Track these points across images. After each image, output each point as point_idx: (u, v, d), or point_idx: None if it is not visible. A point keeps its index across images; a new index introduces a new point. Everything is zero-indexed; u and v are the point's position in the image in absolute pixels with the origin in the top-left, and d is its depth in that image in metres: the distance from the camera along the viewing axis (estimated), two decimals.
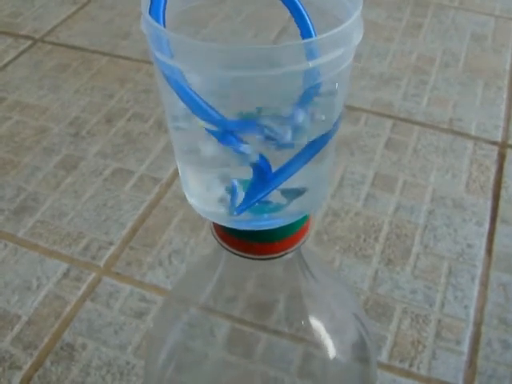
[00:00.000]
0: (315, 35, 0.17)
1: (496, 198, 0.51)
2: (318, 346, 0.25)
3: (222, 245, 0.21)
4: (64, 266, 0.45)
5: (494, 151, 0.55)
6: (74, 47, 0.67)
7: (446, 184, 0.52)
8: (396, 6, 0.75)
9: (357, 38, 0.16)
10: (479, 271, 0.45)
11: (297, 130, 0.17)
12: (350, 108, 0.59)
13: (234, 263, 0.21)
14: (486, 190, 0.52)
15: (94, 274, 0.45)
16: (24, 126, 0.57)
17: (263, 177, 0.17)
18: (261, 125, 0.16)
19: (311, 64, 0.15)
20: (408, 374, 0.39)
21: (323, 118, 0.18)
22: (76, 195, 0.50)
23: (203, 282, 0.24)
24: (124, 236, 0.47)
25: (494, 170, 0.54)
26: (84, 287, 0.44)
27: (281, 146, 0.17)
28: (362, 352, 0.26)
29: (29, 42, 0.68)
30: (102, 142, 0.55)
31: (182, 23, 0.18)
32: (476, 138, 0.57)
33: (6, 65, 0.65)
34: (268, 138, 0.17)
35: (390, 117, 0.58)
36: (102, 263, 0.45)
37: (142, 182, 0.51)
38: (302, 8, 0.17)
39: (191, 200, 0.20)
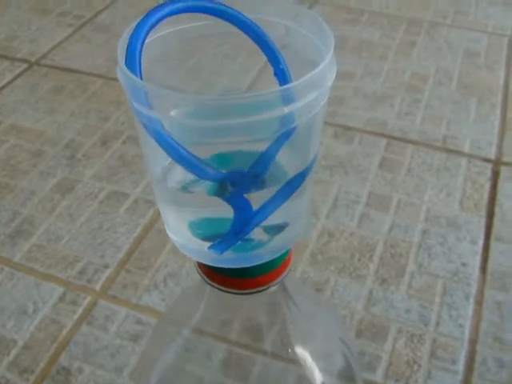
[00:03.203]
0: (290, 80, 0.18)
1: (490, 215, 0.51)
2: (306, 369, 0.25)
3: (205, 280, 0.21)
4: (60, 289, 0.45)
5: (488, 168, 0.56)
6: (69, 70, 0.68)
7: (440, 202, 0.52)
8: (390, 25, 0.75)
9: (330, 79, 0.17)
10: (474, 290, 0.45)
11: (275, 170, 0.17)
12: (344, 127, 0.60)
13: (218, 295, 0.21)
14: (480, 208, 0.52)
15: (89, 298, 0.45)
16: (20, 150, 0.57)
17: (244, 215, 0.17)
18: (244, 172, 0.17)
19: (286, 110, 0.15)
20: None
21: (299, 157, 0.18)
22: (71, 218, 0.51)
23: (192, 309, 0.24)
24: (120, 259, 0.47)
25: (487, 187, 0.54)
26: (80, 311, 0.44)
27: (261, 187, 0.17)
28: (347, 373, 0.27)
29: (25, 65, 0.68)
30: (97, 164, 0.56)
31: (160, 64, 0.18)
32: (470, 156, 0.57)
33: (1, 88, 0.65)
34: (251, 182, 0.17)
35: (383, 136, 0.59)
36: (97, 286, 0.45)
37: (136, 205, 0.52)
38: (277, 52, 0.18)
39: (173, 238, 0.20)
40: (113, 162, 0.56)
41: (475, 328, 0.43)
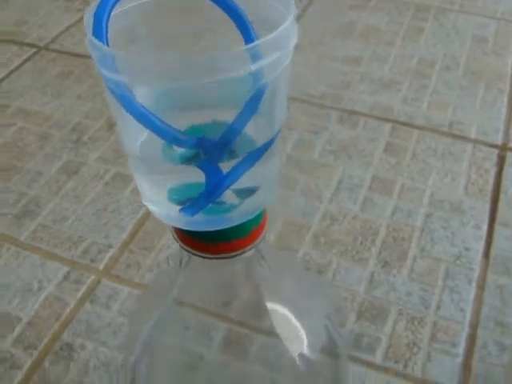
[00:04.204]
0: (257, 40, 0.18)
1: (495, 200, 0.51)
2: (283, 344, 0.25)
3: (180, 245, 0.21)
4: (64, 268, 0.46)
5: (494, 154, 0.55)
6: (77, 54, 0.68)
7: (445, 187, 0.52)
8: (397, 11, 0.75)
9: (293, 40, 0.17)
10: (476, 274, 0.45)
11: (244, 139, 0.18)
12: (349, 112, 0.60)
13: (194, 263, 0.22)
14: (485, 193, 0.52)
15: (93, 277, 0.45)
16: (27, 133, 0.58)
17: (214, 179, 0.18)
18: (214, 141, 0.17)
19: (254, 67, 0.16)
20: (403, 376, 0.39)
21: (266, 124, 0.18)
22: (77, 200, 0.51)
23: (172, 279, 0.25)
24: (123, 239, 0.48)
25: (493, 172, 0.54)
26: (84, 289, 0.44)
27: (231, 156, 0.18)
28: (331, 348, 0.27)
29: (33, 50, 0.69)
30: (103, 147, 0.56)
31: (123, 37, 0.19)
32: (475, 141, 0.57)
33: (10, 72, 0.66)
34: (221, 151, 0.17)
35: (389, 120, 0.59)
36: (101, 266, 0.46)
37: None
38: (248, 23, 0.18)
39: (147, 204, 0.20)
40: (118, 146, 0.56)
41: (476, 312, 0.43)
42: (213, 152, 0.18)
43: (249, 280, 0.24)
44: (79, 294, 0.44)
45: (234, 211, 0.19)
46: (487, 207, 0.51)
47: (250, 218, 0.20)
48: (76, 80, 0.64)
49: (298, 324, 0.25)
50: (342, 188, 0.52)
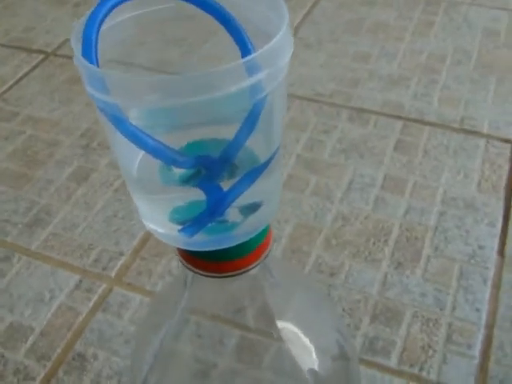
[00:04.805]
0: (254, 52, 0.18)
1: (509, 197, 0.50)
2: (295, 356, 0.25)
3: (184, 265, 0.21)
4: (76, 277, 0.46)
5: (507, 149, 0.55)
6: None
7: (458, 184, 0.51)
8: (407, 6, 0.74)
9: (289, 50, 0.17)
10: (491, 273, 0.45)
11: (245, 156, 0.17)
12: (359, 110, 0.59)
13: (199, 281, 0.21)
14: (499, 190, 0.51)
15: (105, 285, 0.45)
16: (36, 140, 0.58)
17: (215, 197, 0.17)
18: (214, 158, 0.17)
19: (251, 80, 0.15)
20: (418, 379, 0.39)
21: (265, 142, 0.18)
22: (87, 207, 0.51)
23: (178, 295, 0.24)
24: (134, 246, 0.48)
25: (506, 168, 0.53)
26: (95, 298, 0.44)
27: (232, 173, 0.17)
28: (341, 355, 0.26)
29: (41, 56, 0.69)
30: (112, 153, 0.56)
31: (118, 55, 0.18)
32: (488, 136, 0.56)
33: (19, 79, 0.66)
34: (221, 168, 0.17)
35: (399, 118, 0.58)
36: (112, 274, 0.46)
37: None
38: (244, 34, 0.18)
39: (148, 225, 0.20)
40: None
41: (492, 312, 0.42)
42: (213, 169, 0.17)
43: (256, 296, 0.23)
44: (91, 303, 0.44)
45: (237, 229, 0.19)
46: (501, 204, 0.50)
47: (254, 235, 0.19)
48: None
49: (308, 339, 0.24)
50: (353, 188, 0.51)
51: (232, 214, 0.18)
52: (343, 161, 0.54)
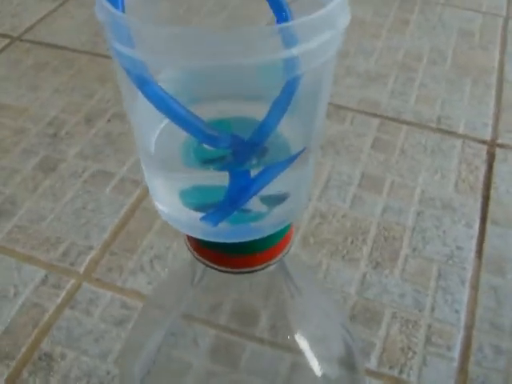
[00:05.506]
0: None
1: (486, 198, 0.50)
2: (304, 356, 0.24)
3: (195, 257, 0.19)
4: (42, 272, 0.44)
5: (483, 150, 0.54)
6: (53, 46, 0.65)
7: (435, 184, 0.51)
8: (383, 3, 0.74)
9: (342, 22, 0.14)
10: (469, 274, 0.44)
11: (276, 139, 0.15)
12: (336, 107, 0.58)
13: (211, 276, 0.19)
14: (476, 190, 0.51)
15: (73, 281, 0.43)
16: (2, 127, 0.55)
17: (241, 183, 0.15)
18: (244, 140, 0.15)
19: (293, 51, 0.13)
20: (398, 382, 0.38)
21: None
22: (55, 198, 0.49)
23: (181, 292, 0.23)
24: (104, 240, 0.46)
25: (483, 169, 0.53)
26: (63, 294, 0.42)
27: (260, 159, 0.15)
28: (348, 360, 0.25)
29: (7, 41, 0.66)
30: (81, 143, 0.54)
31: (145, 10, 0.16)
32: (465, 137, 0.56)
33: None
34: (250, 151, 0.15)
35: (376, 116, 0.57)
36: (81, 269, 0.44)
37: (122, 184, 0.50)
38: None
39: (161, 209, 0.17)
40: (97, 141, 0.54)
41: (471, 313, 0.42)
42: (242, 152, 0.15)
43: (270, 298, 0.21)
44: (58, 300, 0.42)
45: (262, 221, 0.17)
46: (478, 205, 0.49)
47: (279, 229, 0.17)
48: (52, 72, 0.62)
49: (317, 336, 0.23)
50: (330, 185, 0.50)
51: (255, 203, 0.16)
52: (321, 158, 0.53)
